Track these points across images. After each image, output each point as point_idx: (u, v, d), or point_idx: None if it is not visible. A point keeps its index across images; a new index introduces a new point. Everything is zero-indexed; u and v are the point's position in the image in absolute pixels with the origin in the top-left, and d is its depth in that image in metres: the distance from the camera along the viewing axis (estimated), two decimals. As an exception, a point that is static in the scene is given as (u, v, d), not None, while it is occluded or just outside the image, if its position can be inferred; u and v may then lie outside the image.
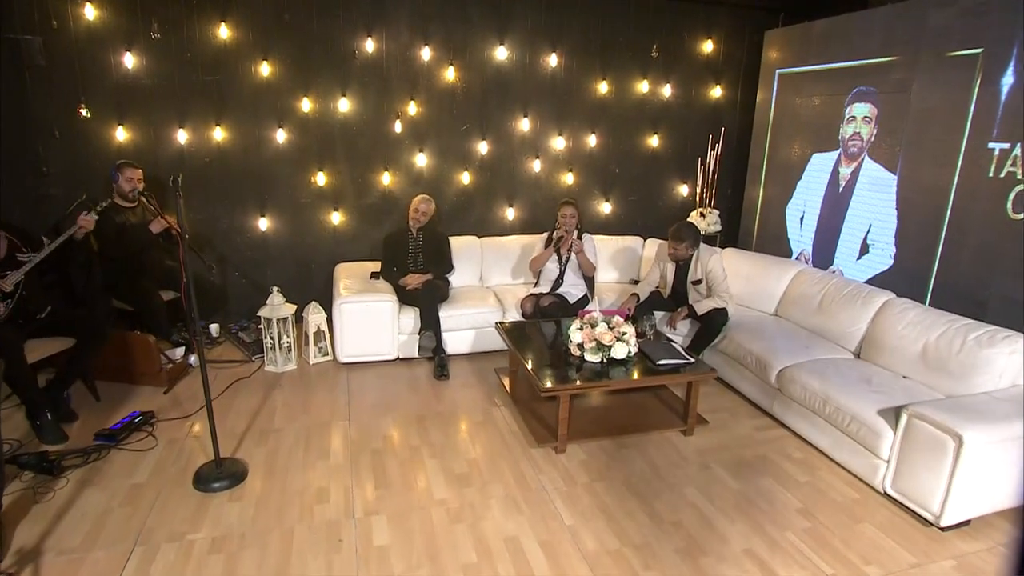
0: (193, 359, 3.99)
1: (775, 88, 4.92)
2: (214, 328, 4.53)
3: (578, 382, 3.13)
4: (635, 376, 3.25)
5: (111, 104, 4.16)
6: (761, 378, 3.56)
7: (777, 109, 4.93)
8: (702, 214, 5.30)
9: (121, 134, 4.22)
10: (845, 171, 4.30)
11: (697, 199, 5.47)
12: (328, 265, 4.80)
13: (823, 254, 4.51)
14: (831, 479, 2.95)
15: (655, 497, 2.76)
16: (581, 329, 3.38)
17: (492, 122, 4.97)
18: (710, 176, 5.32)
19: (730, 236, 5.63)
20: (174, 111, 4.28)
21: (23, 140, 4.06)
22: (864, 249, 4.15)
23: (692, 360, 3.34)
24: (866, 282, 4.00)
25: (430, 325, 4.02)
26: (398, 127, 4.75)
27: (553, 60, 4.94)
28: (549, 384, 3.03)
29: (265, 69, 4.36)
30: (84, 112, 4.12)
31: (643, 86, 5.20)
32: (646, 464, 3.04)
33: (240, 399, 3.63)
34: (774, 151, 5.00)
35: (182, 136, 4.33)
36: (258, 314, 4.03)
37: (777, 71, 4.89)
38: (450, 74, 4.75)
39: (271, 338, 3.99)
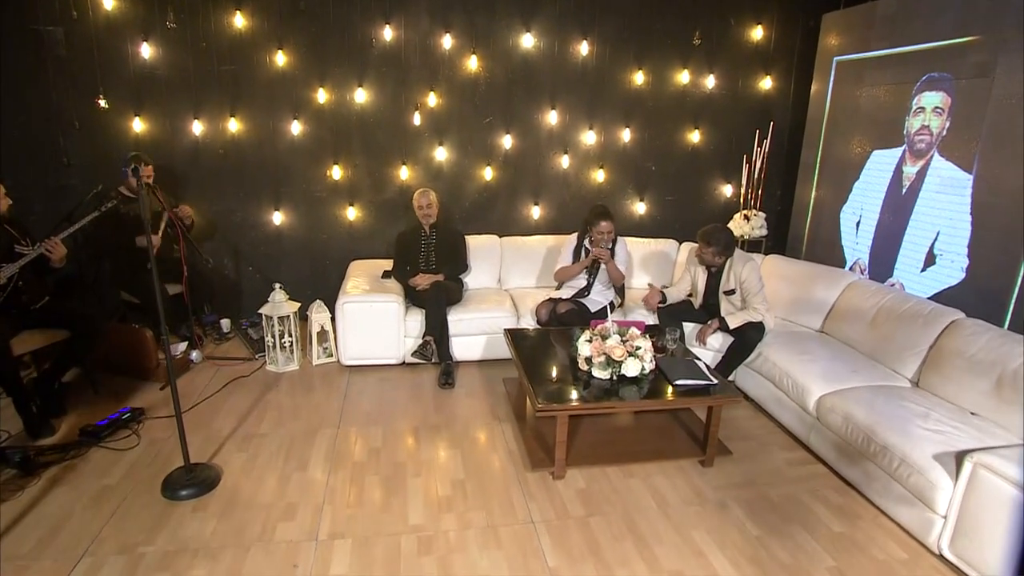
0: (195, 355, 3.90)
1: (832, 78, 4.39)
2: (225, 323, 4.43)
3: (579, 401, 2.79)
4: (646, 397, 2.88)
5: (128, 95, 4.14)
6: (798, 404, 3.11)
7: (834, 101, 4.40)
8: (746, 217, 4.83)
9: (138, 125, 4.19)
10: (910, 170, 3.76)
11: (741, 201, 4.99)
12: (343, 262, 4.62)
13: (881, 264, 3.97)
14: (874, 532, 2.49)
15: (657, 540, 2.40)
16: (590, 341, 3.04)
17: (517, 115, 4.68)
18: (756, 176, 4.84)
19: (778, 242, 5.12)
20: (189, 102, 4.22)
21: (45, 131, 4.09)
22: (930, 260, 3.60)
23: (714, 381, 2.94)
24: (930, 298, 3.46)
25: (434, 330, 3.77)
26: (417, 119, 4.53)
27: (584, 48, 4.60)
28: (545, 402, 2.71)
29: (280, 59, 4.23)
30: (103, 103, 4.10)
31: (683, 77, 4.78)
32: (653, 498, 2.67)
33: (233, 399, 3.49)
34: (829, 148, 4.47)
35: (197, 127, 4.26)
36: (259, 311, 3.89)
37: (835, 59, 4.36)
38: (472, 63, 4.49)
39: (272, 337, 3.85)
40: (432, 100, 4.51)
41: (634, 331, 3.10)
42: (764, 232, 4.80)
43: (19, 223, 3.29)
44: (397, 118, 4.52)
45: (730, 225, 4.87)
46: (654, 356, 3.12)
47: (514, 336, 3.53)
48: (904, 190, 3.80)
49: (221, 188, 4.42)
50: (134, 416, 3.19)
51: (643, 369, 2.96)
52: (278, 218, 4.57)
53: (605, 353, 2.96)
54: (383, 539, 2.37)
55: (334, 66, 4.33)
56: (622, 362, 2.94)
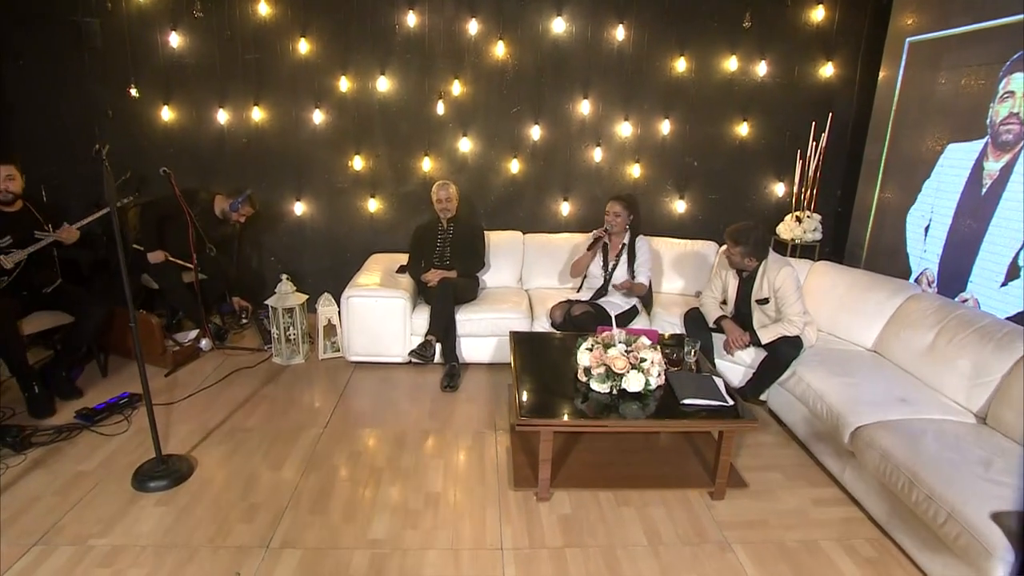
0: (204, 343, 3.89)
1: (903, 61, 3.84)
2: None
3: (565, 416, 2.51)
4: (648, 417, 2.55)
5: (158, 84, 4.20)
6: (833, 434, 2.68)
7: (904, 88, 3.85)
8: (798, 219, 4.33)
9: (167, 114, 4.25)
10: (992, 166, 3.19)
11: (793, 201, 4.49)
12: (364, 255, 4.50)
13: (953, 276, 3.41)
14: (909, 597, 2.07)
15: (638, 583, 2.09)
16: (591, 349, 2.74)
17: (547, 104, 4.41)
18: (811, 173, 4.32)
19: (837, 248, 4.58)
20: (215, 91, 4.24)
21: (82, 120, 4.22)
22: (1013, 272, 3.04)
23: (729, 402, 2.57)
24: (1010, 318, 2.91)
25: (438, 329, 3.57)
26: (441, 109, 4.35)
27: (620, 33, 4.27)
28: (527, 415, 2.45)
29: (303, 46, 4.17)
30: (134, 92, 4.19)
31: (731, 63, 4.34)
32: (645, 532, 2.35)
33: (231, 390, 3.43)
34: (896, 142, 3.92)
35: (222, 116, 4.28)
36: (265, 302, 3.84)
37: (908, 40, 3.81)
38: (499, 50, 4.26)
39: (278, 328, 3.78)
40: (457, 89, 4.32)
41: (643, 340, 2.78)
42: (818, 236, 4.30)
43: (48, 208, 3.36)
44: (420, 107, 4.37)
45: (780, 228, 4.42)
46: (666, 370, 2.79)
47: (518, 339, 3.28)
48: (984, 189, 3.23)
49: (245, 177, 4.38)
50: (131, 402, 3.19)
51: (648, 384, 2.63)
52: (300, 208, 4.52)
53: (605, 364, 2.66)
54: (335, 553, 2.18)
55: (356, 53, 4.23)
56: (623, 375, 2.62)
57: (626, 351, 2.69)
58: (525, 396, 2.61)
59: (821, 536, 2.35)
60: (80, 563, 2.11)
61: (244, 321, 4.38)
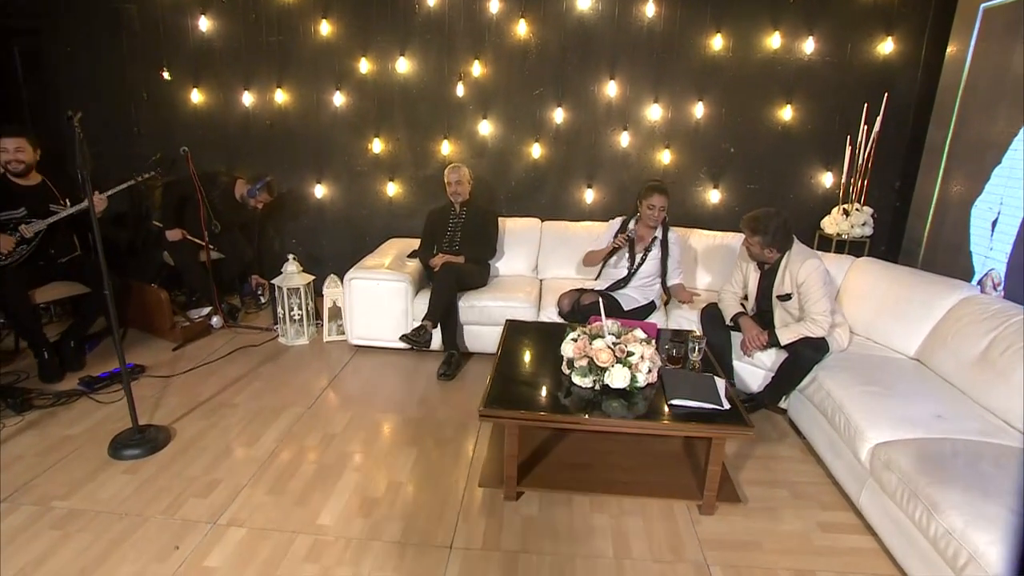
0: (215, 320, 3.95)
1: (975, 33, 3.35)
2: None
3: (534, 410, 2.31)
4: (630, 417, 2.30)
5: (188, 67, 4.31)
6: (851, 450, 2.33)
7: (975, 63, 3.35)
8: (845, 212, 3.90)
9: (196, 96, 4.35)
10: (1074, 149, 2.70)
11: (841, 192, 4.04)
12: (382, 239, 4.45)
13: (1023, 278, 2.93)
14: (915, 648, 1.73)
15: (590, 599, 1.86)
16: (576, 340, 2.53)
17: (571, 86, 4.19)
18: (862, 161, 3.87)
19: (893, 245, 4.09)
20: (240, 73, 4.30)
21: (119, 102, 4.39)
22: (1094, 274, 2.56)
23: (724, 406, 2.28)
24: (1084, 327, 2.44)
25: (436, 314, 3.43)
26: (460, 90, 4.23)
27: (650, 9, 3.99)
28: (490, 405, 2.27)
29: (325, 28, 4.15)
30: (166, 75, 4.32)
31: (773, 40, 3.96)
32: (613, 544, 2.11)
33: (230, 367, 3.44)
34: (963, 125, 3.42)
35: (247, 98, 4.33)
36: (271, 281, 3.85)
37: (982, 6, 3.32)
38: (521, 29, 4.08)
39: (283, 309, 3.77)
40: (477, 70, 4.18)
41: (636, 333, 2.53)
42: (868, 231, 3.85)
43: (68, 183, 3.48)
44: (440, 89, 4.26)
45: (824, 221, 4.01)
46: (662, 367, 2.54)
47: (513, 327, 3.10)
48: (1064, 177, 2.75)
49: (268, 159, 4.45)
50: (133, 372, 3.25)
51: (634, 380, 2.38)
52: (320, 191, 4.53)
53: (588, 356, 2.44)
54: (278, 536, 2.09)
55: (377, 34, 4.17)
56: (607, 369, 2.39)
57: (614, 343, 2.45)
58: (497, 385, 2.43)
59: (821, 567, 2.03)
60: (35, 523, 2.12)
61: (263, 301, 4.44)
